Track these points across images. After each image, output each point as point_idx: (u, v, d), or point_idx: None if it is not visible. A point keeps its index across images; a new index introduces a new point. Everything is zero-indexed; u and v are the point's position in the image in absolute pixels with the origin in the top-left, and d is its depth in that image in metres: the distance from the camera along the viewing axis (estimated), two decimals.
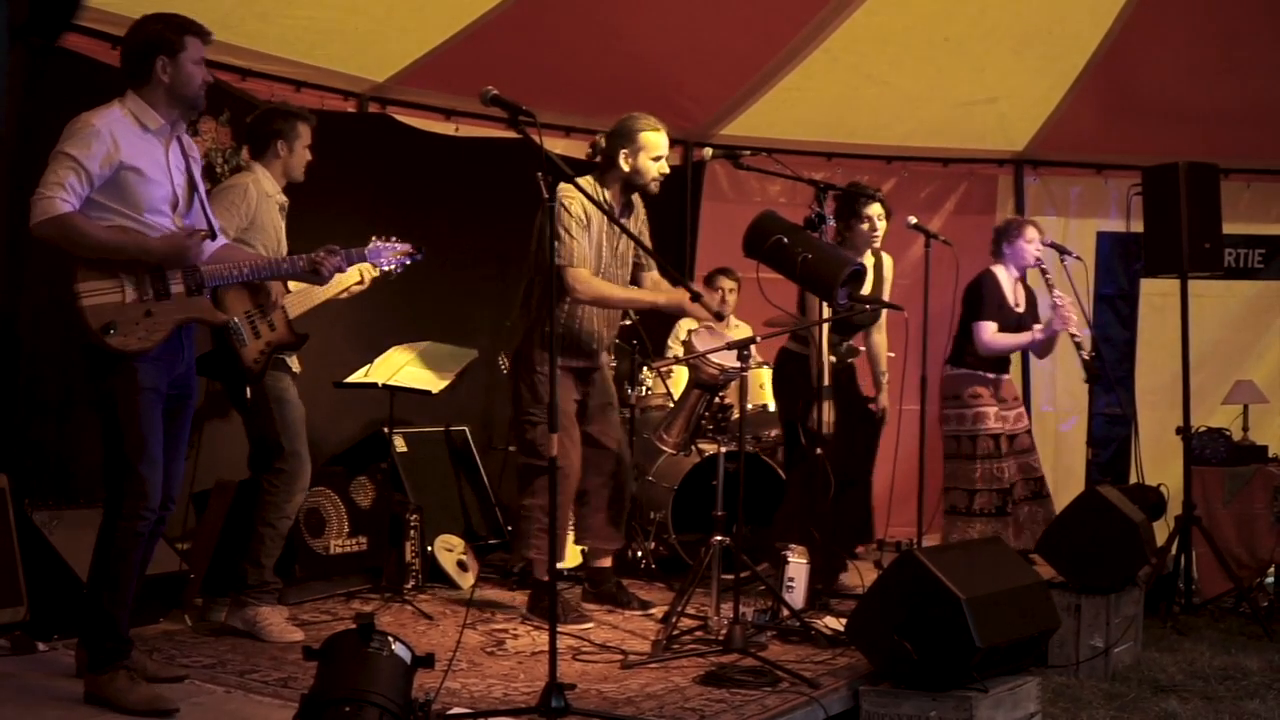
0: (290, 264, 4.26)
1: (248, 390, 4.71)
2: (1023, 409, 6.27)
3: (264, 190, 4.77)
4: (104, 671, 3.74)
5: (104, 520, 3.80)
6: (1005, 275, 6.14)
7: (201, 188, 4.02)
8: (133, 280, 3.76)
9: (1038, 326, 6.14)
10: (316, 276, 4.29)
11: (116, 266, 3.74)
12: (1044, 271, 6.20)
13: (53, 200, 3.65)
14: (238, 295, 4.58)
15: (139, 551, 3.82)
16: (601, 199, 5.10)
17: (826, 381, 5.25)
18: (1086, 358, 6.07)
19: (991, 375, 6.11)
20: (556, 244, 4.75)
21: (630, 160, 5.18)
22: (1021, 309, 6.17)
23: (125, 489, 3.75)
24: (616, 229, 5.15)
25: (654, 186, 5.27)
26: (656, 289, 5.41)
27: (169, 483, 3.89)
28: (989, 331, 6.02)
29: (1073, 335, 6.06)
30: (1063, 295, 6.12)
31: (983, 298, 6.05)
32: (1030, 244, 6.11)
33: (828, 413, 5.45)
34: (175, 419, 3.93)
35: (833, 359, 5.67)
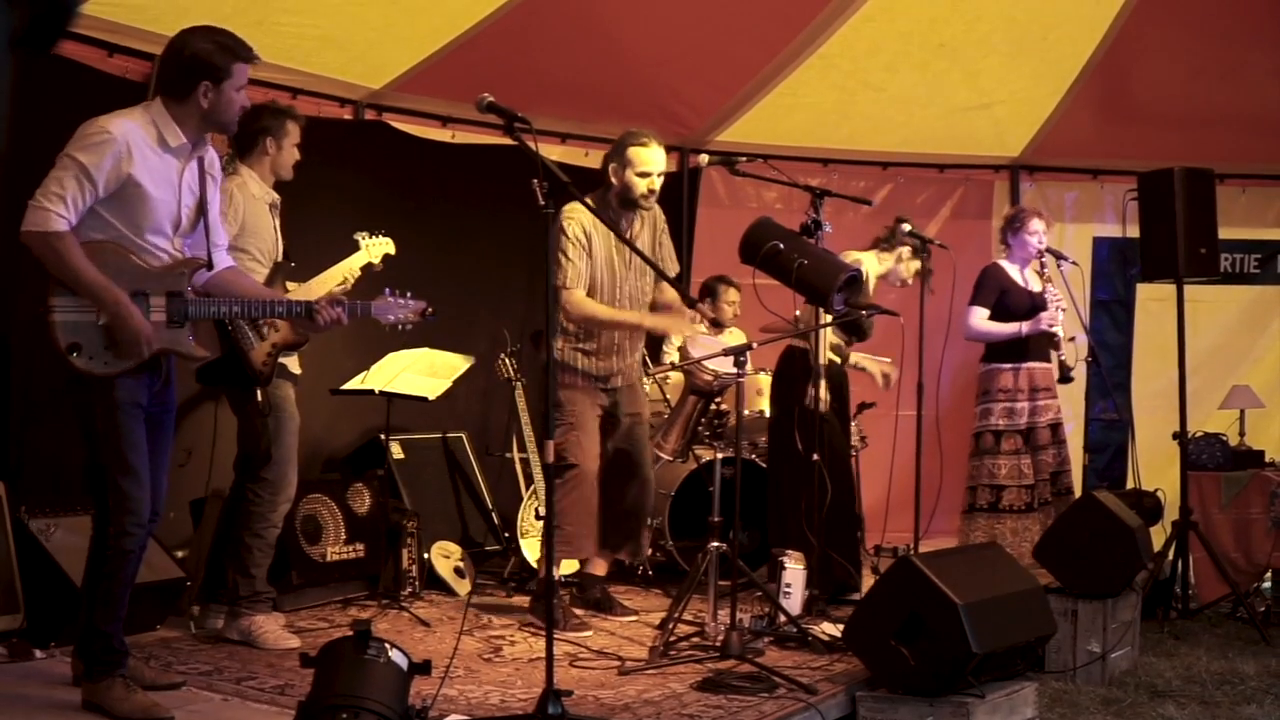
0: (286, 306, 4.05)
1: (258, 394, 4.64)
2: (1055, 399, 6.19)
3: (251, 193, 4.71)
4: (100, 680, 3.73)
5: (93, 539, 3.77)
6: (1010, 266, 6.19)
7: (214, 209, 3.90)
8: None
9: (1028, 322, 6.07)
10: (311, 323, 4.02)
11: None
12: (1042, 267, 6.22)
13: (49, 214, 3.53)
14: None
15: (131, 569, 3.78)
16: (605, 213, 5.10)
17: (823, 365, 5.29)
18: (1061, 357, 6.06)
19: (1023, 365, 6.05)
20: (555, 266, 4.75)
21: (618, 175, 5.21)
22: (1037, 291, 6.16)
23: (112, 506, 3.70)
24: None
25: (644, 201, 5.28)
26: (664, 296, 5.40)
27: (154, 496, 3.81)
28: (975, 316, 6.09)
29: (1050, 329, 6.04)
30: (1054, 292, 6.16)
31: (981, 285, 6.12)
32: (1032, 236, 6.15)
33: (824, 391, 5.48)
34: (157, 433, 3.84)
35: (836, 359, 5.68)
